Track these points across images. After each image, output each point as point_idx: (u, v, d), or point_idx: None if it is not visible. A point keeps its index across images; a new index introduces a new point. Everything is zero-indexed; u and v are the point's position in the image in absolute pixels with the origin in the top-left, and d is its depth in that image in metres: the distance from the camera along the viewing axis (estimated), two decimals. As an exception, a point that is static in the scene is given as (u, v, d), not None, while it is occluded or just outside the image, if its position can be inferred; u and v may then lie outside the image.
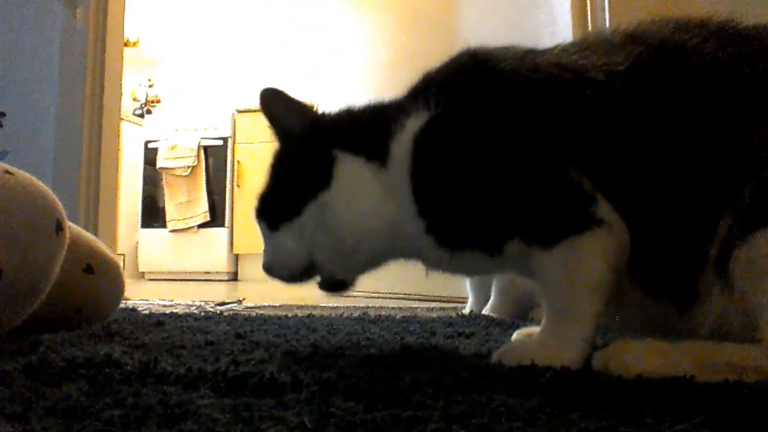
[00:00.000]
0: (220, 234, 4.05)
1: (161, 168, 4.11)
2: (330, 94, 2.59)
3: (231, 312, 1.52)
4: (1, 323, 0.81)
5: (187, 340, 0.90)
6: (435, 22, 2.22)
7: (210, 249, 4.05)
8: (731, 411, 0.49)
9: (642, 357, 0.64)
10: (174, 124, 4.17)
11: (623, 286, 0.71)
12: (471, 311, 1.49)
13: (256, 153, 4.06)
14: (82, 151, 2.04)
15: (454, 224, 0.74)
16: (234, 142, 4.11)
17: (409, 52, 2.25)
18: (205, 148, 4.09)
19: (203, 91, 4.74)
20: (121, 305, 1.24)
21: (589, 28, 1.66)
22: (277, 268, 0.80)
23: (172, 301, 1.94)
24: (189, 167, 4.06)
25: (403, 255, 0.81)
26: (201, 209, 4.05)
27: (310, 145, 0.80)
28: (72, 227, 0.94)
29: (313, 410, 0.49)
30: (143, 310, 1.52)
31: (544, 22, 1.80)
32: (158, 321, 1.14)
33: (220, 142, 4.10)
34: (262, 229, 0.82)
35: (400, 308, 1.74)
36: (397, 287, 2.26)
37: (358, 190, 0.76)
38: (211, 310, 1.62)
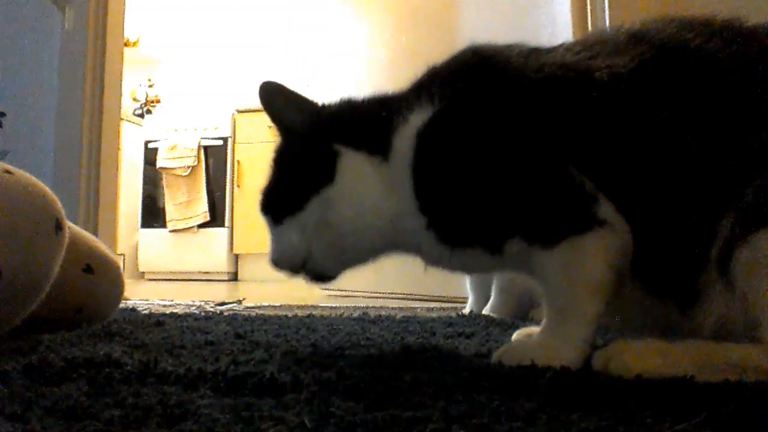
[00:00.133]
0: (220, 234, 4.05)
1: (161, 168, 4.11)
2: (330, 94, 2.59)
3: (231, 312, 1.52)
4: (1, 323, 0.81)
5: (187, 340, 0.90)
6: (435, 22, 2.22)
7: (210, 249, 4.05)
8: (731, 411, 0.49)
9: (642, 357, 0.64)
10: (174, 124, 4.17)
11: (625, 285, 0.71)
12: (471, 311, 1.49)
13: (256, 153, 4.06)
14: (82, 151, 2.04)
15: (455, 221, 0.74)
16: (234, 142, 4.11)
17: (409, 52, 2.25)
18: (205, 148, 4.09)
19: (203, 91, 4.74)
20: (121, 305, 1.24)
21: (589, 28, 1.66)
22: (282, 262, 0.80)
23: (172, 301, 1.94)
24: (189, 167, 4.06)
25: (402, 250, 0.81)
26: (201, 209, 4.05)
27: (311, 140, 0.80)
28: (72, 227, 0.94)
29: (313, 410, 0.49)
30: (143, 310, 1.52)
31: (544, 22, 1.79)
32: (158, 321, 1.14)
33: (220, 142, 4.10)
34: (267, 223, 0.82)
35: (400, 308, 1.74)
36: (397, 287, 2.26)
37: (361, 186, 0.76)
38: (211, 310, 1.62)
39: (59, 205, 0.85)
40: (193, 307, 1.70)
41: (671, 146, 0.68)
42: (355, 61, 2.55)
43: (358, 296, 2.34)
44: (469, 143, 0.72)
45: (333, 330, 1.07)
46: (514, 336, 0.88)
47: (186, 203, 4.08)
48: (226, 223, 4.05)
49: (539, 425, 0.46)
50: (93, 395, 0.55)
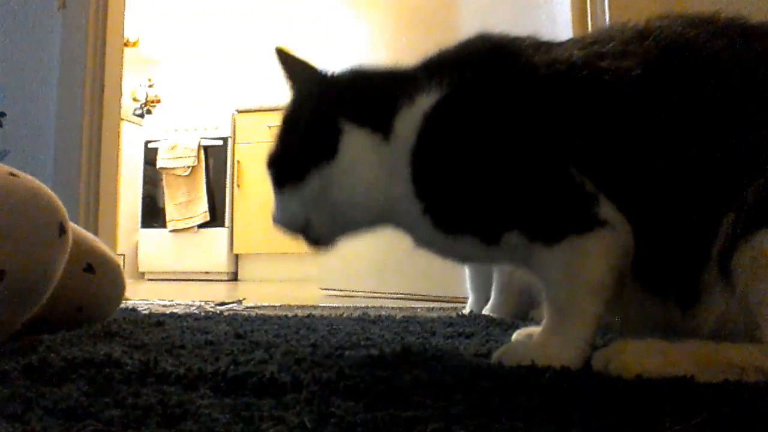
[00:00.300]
0: (220, 234, 4.05)
1: (161, 168, 4.11)
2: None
3: (231, 312, 1.52)
4: (3, 325, 0.81)
5: (187, 340, 0.90)
6: (435, 22, 2.22)
7: (210, 249, 4.05)
8: (731, 411, 0.49)
9: (642, 357, 0.64)
10: (174, 124, 4.17)
11: (625, 285, 0.71)
12: (471, 311, 1.49)
13: (256, 153, 4.05)
14: (82, 151, 2.04)
15: (452, 209, 0.73)
16: (234, 142, 4.11)
17: (409, 52, 2.24)
18: (205, 148, 4.09)
19: (203, 91, 4.74)
20: (122, 305, 1.24)
21: (589, 29, 1.66)
22: (281, 224, 0.81)
23: (172, 301, 1.94)
24: (189, 167, 4.06)
25: (397, 227, 0.81)
26: (201, 209, 4.05)
27: (317, 111, 0.79)
28: (73, 227, 0.94)
29: (313, 410, 0.49)
30: (143, 310, 1.52)
31: (544, 22, 1.79)
32: (158, 321, 1.14)
33: (220, 142, 4.10)
34: (270, 181, 0.82)
35: (400, 308, 1.74)
36: (397, 287, 2.26)
37: (361, 166, 0.76)
38: (211, 310, 1.62)
39: (63, 208, 0.85)
40: (193, 307, 1.70)
41: (674, 145, 0.68)
42: (355, 61, 2.55)
43: (358, 296, 2.34)
44: (473, 132, 0.72)
45: (333, 330, 1.07)
46: (514, 336, 0.88)
47: (186, 203, 4.08)
48: (226, 223, 4.05)
49: (539, 425, 0.46)
50: (93, 395, 0.55)
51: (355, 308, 1.67)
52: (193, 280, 3.95)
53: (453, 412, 0.48)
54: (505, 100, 0.72)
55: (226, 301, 1.91)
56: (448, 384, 0.59)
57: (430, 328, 1.10)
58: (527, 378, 0.61)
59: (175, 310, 1.55)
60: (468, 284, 1.56)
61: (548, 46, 0.77)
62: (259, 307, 1.73)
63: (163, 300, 1.98)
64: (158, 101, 4.79)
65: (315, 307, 1.73)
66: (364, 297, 2.30)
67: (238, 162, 4.07)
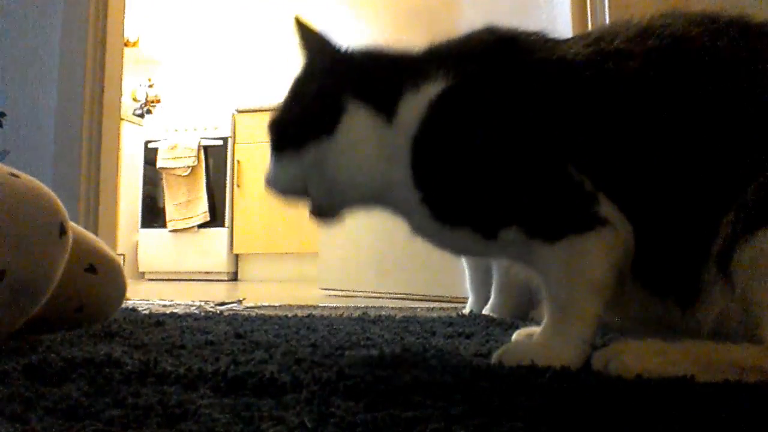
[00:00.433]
0: (220, 234, 4.05)
1: (161, 168, 4.11)
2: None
3: (231, 312, 1.52)
4: (3, 325, 0.82)
5: (187, 340, 0.90)
6: (435, 22, 2.22)
7: (210, 249, 4.05)
8: (731, 411, 0.49)
9: (642, 357, 0.64)
10: (174, 124, 4.17)
11: (625, 284, 0.71)
12: (471, 311, 1.49)
13: (256, 153, 4.05)
14: (82, 151, 2.04)
15: (450, 201, 0.73)
16: (234, 142, 4.11)
17: (409, 52, 2.25)
18: (205, 148, 4.09)
19: (203, 91, 4.74)
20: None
21: (589, 28, 1.66)
22: (272, 187, 0.81)
23: (172, 301, 1.94)
24: (189, 167, 4.06)
25: (394, 211, 0.80)
26: (201, 209, 4.05)
27: (324, 84, 0.78)
28: (75, 227, 0.95)
29: (313, 410, 0.49)
30: (143, 310, 1.52)
31: (544, 22, 1.80)
32: (158, 321, 1.14)
33: (220, 142, 4.10)
34: (269, 143, 0.81)
35: (400, 308, 1.74)
36: (397, 287, 2.27)
37: (360, 146, 0.75)
38: (211, 310, 1.62)
39: (63, 209, 0.85)
40: (193, 307, 1.70)
41: (674, 144, 0.68)
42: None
43: (358, 296, 2.34)
44: (476, 125, 0.71)
45: (333, 330, 1.07)
46: (514, 336, 0.88)
47: (186, 203, 4.08)
48: (226, 223, 4.05)
49: (539, 425, 0.46)
50: (93, 395, 0.55)
51: (355, 308, 1.67)
52: (193, 280, 3.95)
53: (453, 412, 0.48)
54: (509, 96, 0.72)
55: (226, 301, 1.91)
56: (448, 384, 0.59)
57: (430, 328, 1.10)
58: (527, 378, 0.61)
59: (175, 310, 1.55)
60: (468, 284, 1.56)
61: (554, 42, 0.77)
62: (259, 307, 1.73)
63: (163, 300, 1.98)
64: (158, 101, 4.79)
65: (315, 307, 1.73)
66: (364, 297, 2.30)
67: (238, 162, 4.08)
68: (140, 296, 2.15)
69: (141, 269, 4.14)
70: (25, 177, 0.83)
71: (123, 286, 1.10)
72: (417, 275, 2.18)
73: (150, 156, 4.17)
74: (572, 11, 1.69)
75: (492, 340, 0.95)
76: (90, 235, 1.08)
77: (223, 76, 4.75)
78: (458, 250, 0.85)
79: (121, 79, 2.22)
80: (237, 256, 4.12)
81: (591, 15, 1.68)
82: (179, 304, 1.80)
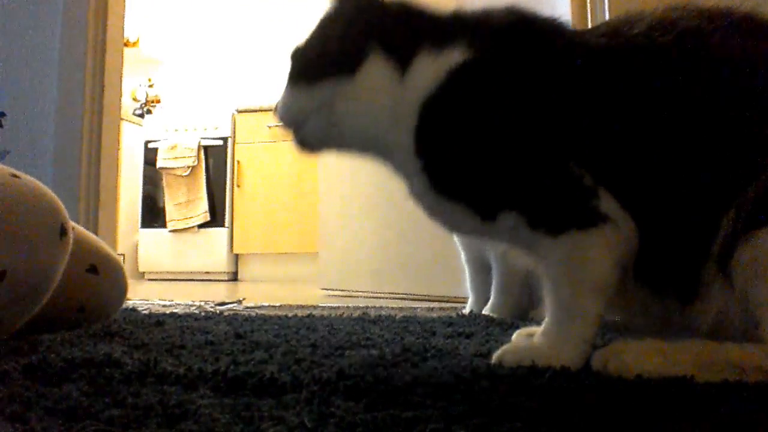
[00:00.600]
0: (220, 234, 4.05)
1: (161, 168, 4.11)
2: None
3: (231, 312, 1.52)
4: (3, 325, 0.82)
5: (187, 340, 0.90)
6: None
7: (210, 249, 4.05)
8: (731, 411, 0.49)
9: (641, 357, 0.64)
10: (174, 124, 4.17)
11: (626, 283, 0.71)
12: (471, 311, 1.49)
13: (256, 153, 4.06)
14: (82, 151, 2.04)
15: (452, 175, 0.72)
16: (234, 142, 4.11)
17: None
18: (205, 148, 4.09)
19: (203, 91, 4.75)
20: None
21: (589, 27, 1.66)
22: (280, 116, 0.80)
23: (172, 301, 1.94)
24: (189, 167, 4.06)
25: (391, 168, 0.80)
26: (201, 209, 4.05)
27: (354, 25, 0.77)
28: (76, 228, 0.95)
29: (313, 410, 0.49)
30: (143, 310, 1.52)
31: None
32: (158, 321, 1.14)
33: (220, 142, 4.10)
34: (288, 71, 0.81)
35: (400, 308, 1.74)
36: (397, 287, 2.27)
37: (374, 95, 0.74)
38: (211, 310, 1.62)
39: (64, 210, 0.85)
40: (193, 307, 1.70)
41: (678, 141, 0.68)
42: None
43: (358, 296, 2.34)
44: (494, 103, 0.70)
45: (333, 330, 1.06)
46: (514, 336, 0.88)
47: (186, 203, 4.08)
48: (226, 223, 4.05)
49: (539, 425, 0.46)
50: (93, 395, 0.55)
51: (355, 308, 1.67)
52: (193, 280, 3.95)
53: (453, 412, 0.48)
54: (528, 80, 0.71)
55: (226, 301, 1.91)
56: (448, 384, 0.59)
57: (430, 328, 1.10)
58: (527, 378, 0.61)
59: (175, 310, 1.55)
60: (468, 284, 1.56)
61: (573, 33, 0.77)
62: (259, 307, 1.73)
63: (163, 300, 1.98)
64: (158, 101, 4.79)
65: (315, 307, 1.73)
66: (364, 297, 2.30)
67: (238, 162, 4.08)
68: (140, 296, 2.15)
69: (141, 269, 4.14)
70: (26, 177, 0.84)
71: (124, 286, 1.10)
72: (417, 275, 2.18)
73: (150, 156, 4.17)
74: (572, 11, 1.69)
75: (492, 340, 0.95)
76: (91, 236, 1.08)
77: (223, 76, 4.75)
78: (453, 225, 0.82)
79: (121, 79, 2.22)
80: (237, 256, 4.12)
81: (591, 14, 1.67)
82: (179, 304, 1.80)
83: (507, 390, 0.56)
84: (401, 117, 0.73)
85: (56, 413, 0.49)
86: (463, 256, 1.53)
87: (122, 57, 2.23)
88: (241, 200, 4.06)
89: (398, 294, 2.25)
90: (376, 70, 0.74)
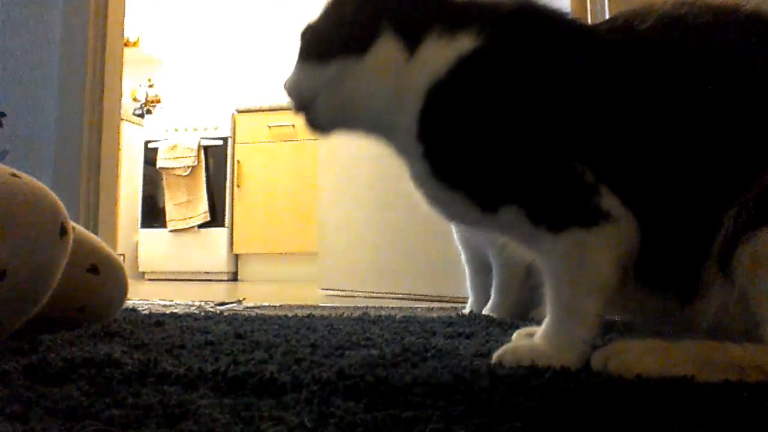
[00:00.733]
0: (220, 234, 4.05)
1: (161, 168, 4.11)
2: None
3: (231, 312, 1.52)
4: (3, 325, 0.82)
5: (187, 340, 0.90)
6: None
7: (210, 249, 4.05)
8: (731, 411, 0.49)
9: (642, 357, 0.64)
10: (174, 124, 4.17)
11: (627, 282, 0.70)
12: (471, 311, 1.49)
13: (256, 153, 4.06)
14: (82, 151, 2.04)
15: (454, 163, 0.72)
16: (234, 142, 4.11)
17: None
18: (205, 148, 4.09)
19: (203, 91, 4.74)
20: (121, 305, 1.24)
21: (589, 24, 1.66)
22: (289, 93, 0.80)
23: (172, 301, 1.94)
24: (189, 167, 4.06)
25: (395, 151, 0.79)
26: (201, 209, 4.05)
27: (368, 3, 0.76)
28: (77, 228, 0.95)
29: (313, 410, 0.49)
30: (143, 310, 1.52)
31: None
32: (158, 321, 1.14)
33: (220, 142, 4.10)
34: (298, 48, 0.80)
35: (400, 308, 1.74)
36: (397, 287, 2.27)
37: (383, 75, 0.74)
38: (211, 310, 1.62)
39: (64, 209, 0.85)
40: (193, 307, 1.70)
41: (680, 140, 0.68)
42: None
43: (358, 296, 2.34)
44: (500, 92, 0.70)
45: (333, 330, 1.06)
46: (514, 336, 0.88)
47: (186, 203, 4.08)
48: (226, 223, 4.05)
49: (539, 425, 0.46)
50: (93, 395, 0.55)
51: (355, 308, 1.67)
52: (193, 280, 3.95)
53: (453, 412, 0.48)
54: (536, 71, 0.71)
55: (226, 301, 1.91)
56: (448, 384, 0.59)
57: (430, 328, 1.10)
58: (527, 378, 0.61)
59: (175, 310, 1.55)
60: (468, 284, 1.56)
61: (582, 27, 0.76)
62: (259, 307, 1.73)
63: (163, 300, 1.98)
64: (158, 101, 4.79)
65: (315, 307, 1.73)
66: (364, 297, 2.30)
67: (238, 162, 4.08)
68: (140, 296, 2.15)
69: (141, 269, 4.14)
70: (26, 177, 0.84)
71: (125, 286, 1.10)
72: (417, 275, 2.18)
73: (150, 156, 4.17)
74: (572, 10, 1.69)
75: (492, 340, 0.95)
76: (92, 236, 1.08)
77: (223, 76, 4.75)
78: (452, 214, 0.81)
79: (121, 79, 2.22)
80: (237, 256, 4.12)
81: (591, 14, 1.68)
82: (179, 304, 1.80)
83: (507, 390, 0.56)
84: (406, 100, 0.73)
85: (56, 413, 0.49)
86: (463, 255, 1.53)
87: (122, 57, 2.24)
88: (241, 200, 4.06)
89: (398, 294, 2.25)
90: (386, 51, 0.74)
